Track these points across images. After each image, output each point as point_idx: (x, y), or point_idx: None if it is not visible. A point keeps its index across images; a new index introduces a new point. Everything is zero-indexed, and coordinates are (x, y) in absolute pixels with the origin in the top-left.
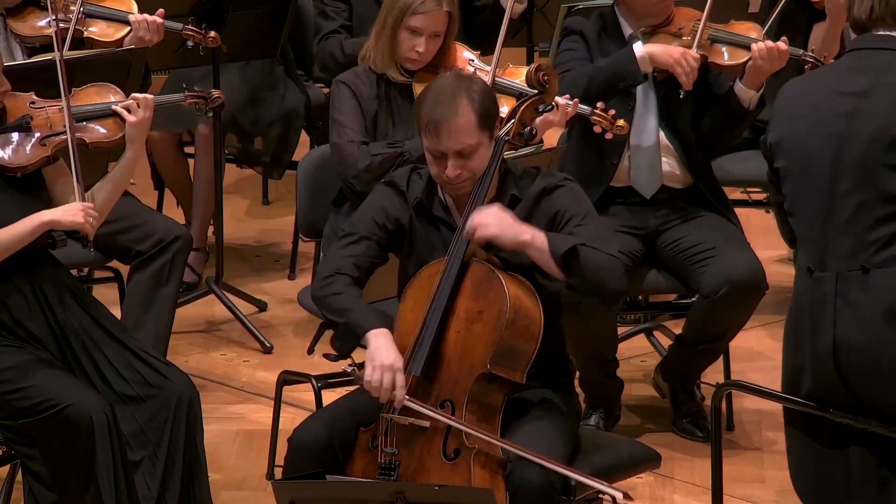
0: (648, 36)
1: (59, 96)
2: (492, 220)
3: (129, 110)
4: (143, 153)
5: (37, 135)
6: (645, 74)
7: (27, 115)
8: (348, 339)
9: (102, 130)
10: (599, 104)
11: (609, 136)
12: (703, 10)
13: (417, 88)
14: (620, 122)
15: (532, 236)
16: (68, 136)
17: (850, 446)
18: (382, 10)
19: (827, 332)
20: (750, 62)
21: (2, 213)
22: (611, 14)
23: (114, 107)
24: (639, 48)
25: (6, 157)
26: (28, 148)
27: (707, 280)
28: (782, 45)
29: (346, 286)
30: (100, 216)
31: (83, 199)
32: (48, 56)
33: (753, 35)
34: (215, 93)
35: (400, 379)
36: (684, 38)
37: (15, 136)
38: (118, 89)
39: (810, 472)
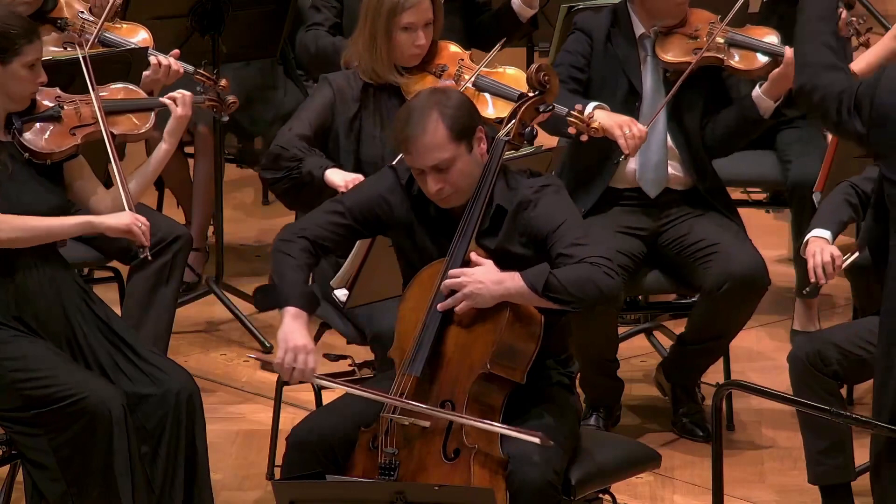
0: (663, 36)
1: (77, 93)
2: (464, 299)
3: (176, 103)
4: (175, 147)
5: (67, 124)
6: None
7: (58, 105)
8: (268, 300)
9: (130, 123)
10: (577, 105)
11: (584, 137)
12: (717, 13)
13: (406, 88)
14: (596, 124)
15: (508, 287)
16: (101, 126)
17: None
18: (366, 21)
19: None
20: (777, 69)
21: (29, 198)
22: (623, 11)
23: (162, 99)
24: (590, 107)
25: (37, 144)
26: (58, 136)
27: (709, 276)
28: None
29: (300, 252)
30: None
31: (121, 175)
32: (71, 54)
33: (771, 39)
34: (230, 98)
35: (311, 361)
36: (700, 39)
37: (46, 124)
38: (141, 90)
39: None
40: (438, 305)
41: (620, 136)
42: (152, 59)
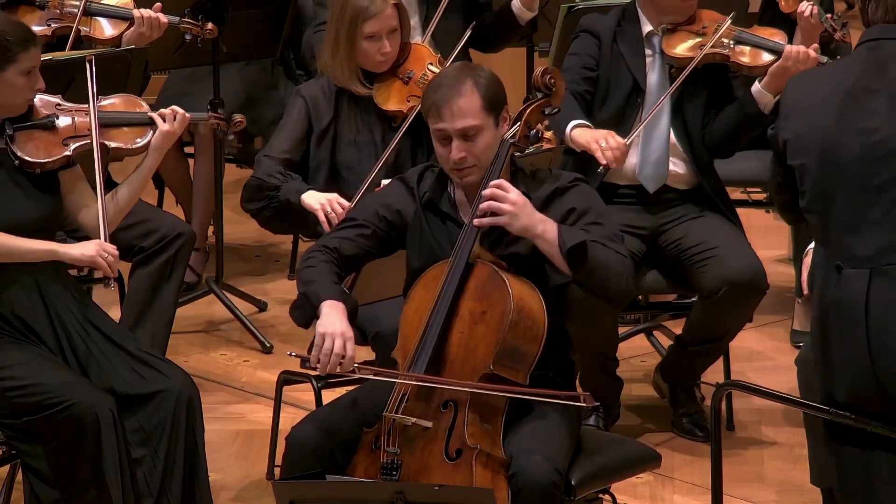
0: (670, 33)
1: (72, 100)
2: (508, 204)
3: (164, 119)
4: (159, 163)
5: (60, 134)
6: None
7: (53, 114)
8: (305, 310)
9: (126, 137)
10: (538, 125)
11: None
12: (726, 14)
13: (378, 94)
14: (548, 134)
15: (543, 229)
16: (93, 139)
17: (878, 450)
18: (331, 27)
19: (860, 331)
20: (778, 63)
21: (12, 205)
22: (632, 9)
23: (150, 113)
24: (569, 127)
25: (28, 152)
26: (49, 146)
27: (707, 280)
28: (813, 52)
29: (321, 262)
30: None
31: (102, 202)
32: (77, 53)
33: (779, 40)
34: (237, 117)
35: (350, 348)
36: (706, 36)
37: (39, 133)
38: (143, 102)
39: (841, 475)
40: (475, 221)
41: (597, 150)
42: (136, 14)
